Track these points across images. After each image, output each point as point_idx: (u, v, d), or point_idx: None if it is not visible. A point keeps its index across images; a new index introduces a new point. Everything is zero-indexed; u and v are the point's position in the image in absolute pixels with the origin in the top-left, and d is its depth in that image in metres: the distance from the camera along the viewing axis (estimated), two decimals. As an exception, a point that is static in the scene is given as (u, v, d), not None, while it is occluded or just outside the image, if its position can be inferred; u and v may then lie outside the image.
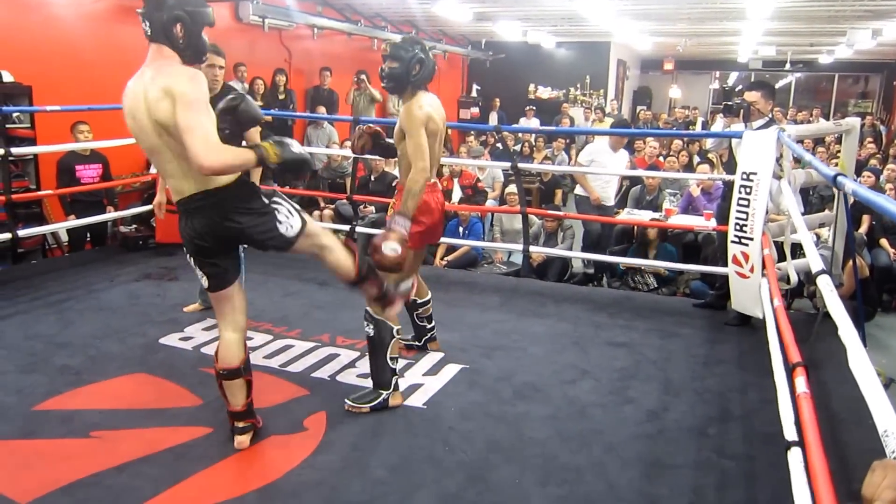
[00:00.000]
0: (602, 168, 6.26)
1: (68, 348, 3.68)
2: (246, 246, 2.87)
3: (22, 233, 5.10)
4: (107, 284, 4.83)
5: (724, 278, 4.34)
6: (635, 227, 6.36)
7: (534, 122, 12.68)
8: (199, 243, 2.54)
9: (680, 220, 6.31)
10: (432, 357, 3.67)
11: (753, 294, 3.96)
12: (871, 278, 5.53)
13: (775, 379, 2.65)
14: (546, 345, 3.94)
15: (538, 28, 12.87)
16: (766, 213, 3.90)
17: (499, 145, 10.26)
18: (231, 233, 2.52)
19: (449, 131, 12.60)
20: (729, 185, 4.36)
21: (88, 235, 5.92)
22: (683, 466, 2.71)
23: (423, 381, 3.39)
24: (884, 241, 6.08)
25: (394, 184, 5.98)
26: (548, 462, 2.70)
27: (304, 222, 2.62)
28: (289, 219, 2.57)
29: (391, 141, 3.34)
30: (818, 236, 5.14)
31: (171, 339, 3.85)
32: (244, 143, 3.43)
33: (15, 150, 5.07)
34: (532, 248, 5.49)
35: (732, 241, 4.03)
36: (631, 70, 17.89)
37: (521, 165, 5.67)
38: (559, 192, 8.82)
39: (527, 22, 12.22)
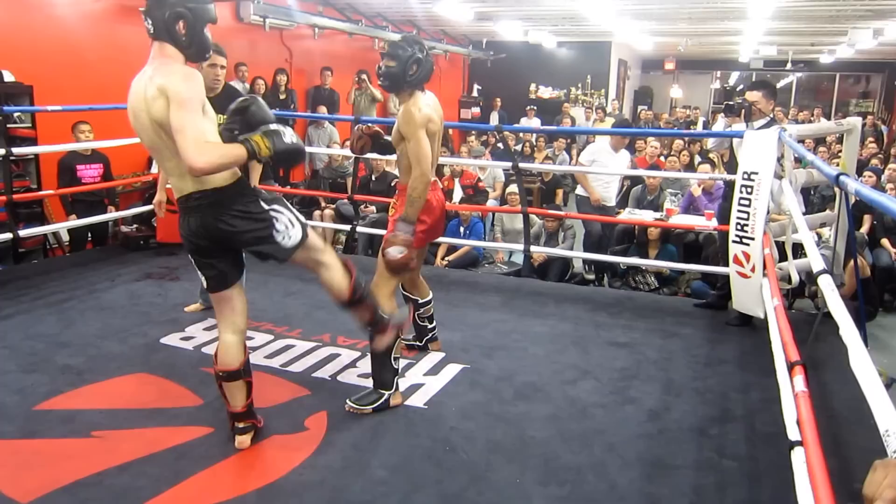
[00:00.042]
0: (603, 168, 6.27)
1: (69, 348, 3.68)
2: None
3: (23, 233, 5.11)
4: (108, 284, 4.83)
5: (726, 278, 4.34)
6: (636, 227, 6.36)
7: (535, 122, 12.69)
8: (196, 242, 2.54)
9: (681, 220, 6.31)
10: (433, 357, 3.67)
11: (755, 294, 3.95)
12: (872, 278, 5.53)
13: (778, 379, 2.65)
14: (547, 345, 3.94)
15: (539, 28, 12.87)
16: (768, 212, 3.90)
17: (500, 145, 10.27)
18: (224, 234, 2.50)
19: (450, 131, 12.68)
20: (730, 185, 4.36)
21: (89, 235, 5.93)
22: (684, 466, 2.71)
23: (424, 380, 3.39)
24: (885, 241, 6.07)
25: (393, 183, 5.98)
26: (549, 462, 2.70)
27: (304, 235, 2.59)
28: (288, 229, 2.54)
29: (388, 138, 3.34)
30: (819, 236, 5.13)
31: (173, 339, 3.85)
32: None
33: (16, 150, 5.07)
34: (533, 248, 5.49)
35: (733, 241, 4.03)
36: (632, 70, 17.89)
37: (522, 165, 5.67)
38: (560, 192, 8.83)
39: (528, 22, 12.22)
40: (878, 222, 6.11)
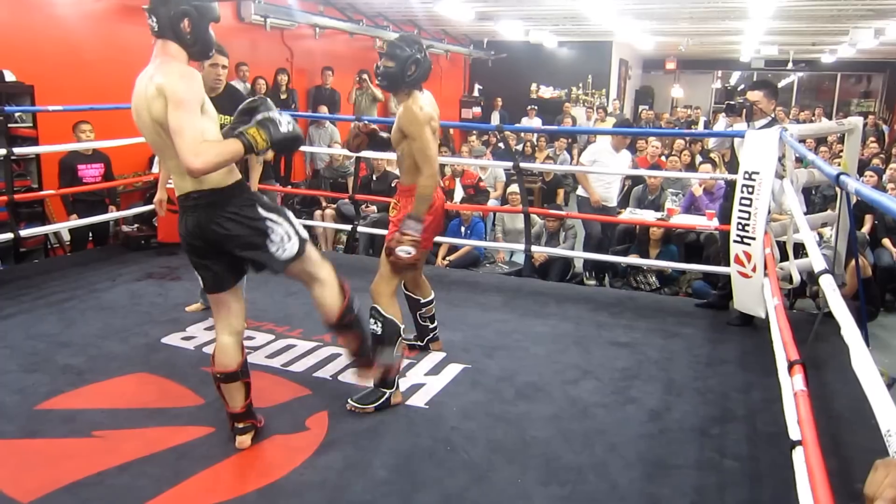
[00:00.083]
0: (605, 168, 6.26)
1: (70, 348, 3.68)
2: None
3: (24, 232, 5.12)
4: (109, 284, 4.83)
5: (727, 278, 4.33)
6: (637, 227, 6.36)
7: (536, 122, 12.69)
8: (192, 243, 2.54)
9: (682, 220, 6.31)
10: (434, 357, 3.67)
11: (756, 294, 3.95)
12: (873, 278, 5.53)
13: (779, 378, 2.65)
14: (548, 344, 3.94)
15: (540, 27, 12.87)
16: (769, 212, 3.90)
17: (501, 145, 10.26)
18: (217, 236, 2.47)
19: (451, 131, 12.69)
20: (731, 185, 4.36)
21: (90, 235, 5.93)
22: (686, 466, 2.71)
23: (425, 380, 3.39)
24: (886, 241, 6.07)
25: (394, 183, 5.98)
26: (550, 462, 2.70)
27: (301, 250, 2.55)
28: (283, 241, 2.50)
29: (385, 135, 3.33)
30: (821, 236, 5.13)
31: (173, 339, 3.85)
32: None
33: (17, 150, 5.08)
34: (534, 248, 5.48)
35: (735, 241, 4.02)
36: (633, 69, 17.89)
37: (523, 165, 5.66)
38: (561, 192, 8.83)
39: (529, 21, 12.22)
40: (880, 222, 6.11)
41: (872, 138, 10.55)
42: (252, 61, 8.29)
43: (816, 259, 2.63)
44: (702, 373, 3.61)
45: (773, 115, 4.34)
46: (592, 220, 6.25)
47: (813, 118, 13.50)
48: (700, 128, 14.04)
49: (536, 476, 2.61)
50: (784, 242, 4.06)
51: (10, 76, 5.75)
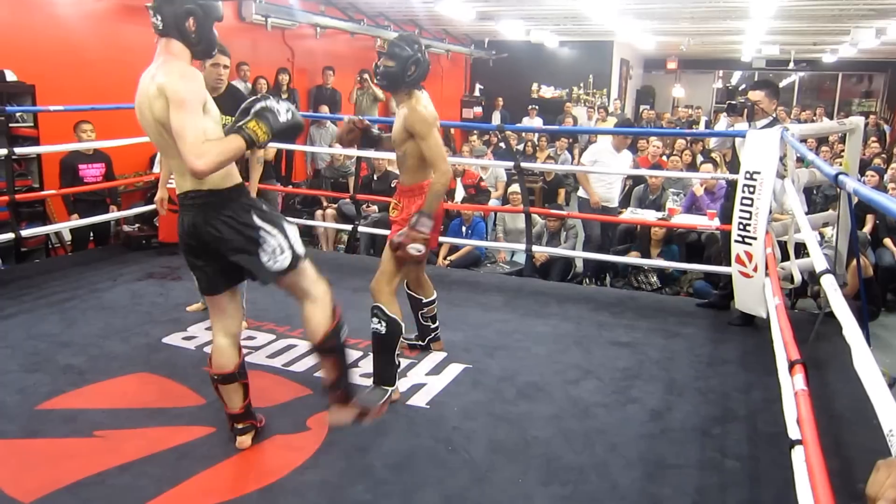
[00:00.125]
0: (606, 169, 6.25)
1: (71, 347, 3.68)
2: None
3: (25, 232, 5.12)
4: (110, 284, 4.83)
5: (728, 278, 4.33)
6: (638, 227, 6.35)
7: (537, 122, 12.69)
8: (188, 242, 2.53)
9: (683, 220, 6.31)
10: (435, 357, 3.66)
11: (757, 293, 3.95)
12: (875, 278, 5.52)
13: (780, 378, 2.64)
14: (549, 344, 3.94)
15: (541, 27, 12.86)
16: (770, 212, 3.89)
17: (502, 145, 10.27)
18: (210, 238, 2.45)
19: (452, 131, 12.67)
20: (732, 185, 4.35)
21: (91, 235, 5.93)
22: (687, 466, 2.71)
23: (426, 380, 3.39)
24: (888, 241, 6.07)
25: (393, 184, 5.98)
26: (551, 462, 2.70)
27: (294, 264, 2.49)
28: (275, 253, 2.45)
29: (377, 132, 3.32)
30: (822, 236, 5.13)
31: (174, 339, 3.85)
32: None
33: (18, 150, 5.09)
34: (535, 248, 5.48)
35: (736, 241, 4.02)
36: (634, 69, 17.88)
37: (524, 165, 5.66)
38: (562, 192, 8.83)
39: (530, 21, 12.21)
40: (881, 222, 6.10)
41: (874, 138, 10.54)
42: (253, 61, 8.29)
43: (818, 259, 2.63)
44: (703, 373, 3.61)
45: (774, 115, 4.33)
46: (593, 220, 6.24)
47: (814, 118, 13.49)
48: (701, 127, 14.03)
49: (537, 476, 2.61)
50: (785, 242, 4.06)
51: (11, 76, 5.75)
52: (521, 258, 6.29)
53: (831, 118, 14.23)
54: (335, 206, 7.45)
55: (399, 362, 3.19)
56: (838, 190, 4.09)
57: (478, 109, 14.55)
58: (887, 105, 17.12)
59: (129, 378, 3.37)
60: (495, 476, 2.60)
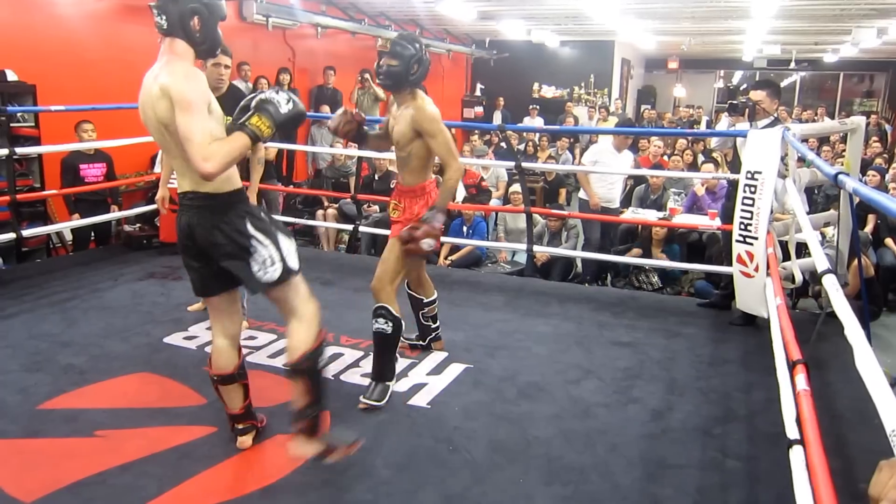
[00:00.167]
0: (607, 169, 6.24)
1: (72, 347, 3.69)
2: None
3: (26, 232, 5.12)
4: (111, 283, 4.83)
5: (729, 278, 4.33)
6: (639, 227, 6.35)
7: (538, 122, 12.68)
8: (183, 242, 2.51)
9: (684, 220, 6.30)
10: (436, 357, 3.66)
11: (758, 293, 3.95)
12: (876, 277, 5.52)
13: (778, 378, 2.64)
14: (550, 344, 3.94)
15: (542, 27, 12.86)
16: (771, 212, 3.89)
17: (503, 144, 10.26)
18: (202, 241, 2.44)
19: (453, 130, 12.64)
20: (733, 185, 4.35)
21: (92, 234, 5.93)
22: (688, 466, 2.70)
23: (428, 380, 3.39)
24: (889, 241, 6.06)
25: (394, 184, 5.97)
26: (552, 462, 2.70)
27: (284, 278, 2.44)
28: (266, 264, 2.40)
29: (367, 129, 3.32)
30: (823, 235, 5.13)
31: (175, 339, 3.85)
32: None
33: (19, 150, 5.08)
34: (536, 248, 5.48)
35: (737, 241, 4.02)
36: (635, 69, 17.87)
37: (525, 165, 5.66)
38: (563, 192, 8.82)
39: (531, 21, 12.21)
40: (882, 222, 6.09)
41: (875, 138, 10.52)
42: (254, 61, 8.29)
43: (819, 259, 2.63)
44: (704, 372, 3.61)
45: (775, 115, 4.33)
46: (594, 220, 6.23)
47: (815, 118, 13.48)
48: (702, 127, 14.01)
49: (538, 476, 2.60)
50: (786, 242, 4.05)
51: (12, 76, 5.75)
52: (522, 258, 6.29)
53: (832, 118, 14.21)
54: (336, 205, 7.45)
55: (397, 357, 3.25)
56: (839, 190, 4.09)
57: (479, 109, 14.54)
58: (889, 105, 17.10)
59: (130, 378, 3.37)
60: (496, 476, 2.60)
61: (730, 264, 4.22)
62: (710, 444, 2.87)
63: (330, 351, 2.57)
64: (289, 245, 2.48)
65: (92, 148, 5.66)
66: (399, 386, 3.28)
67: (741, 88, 19.39)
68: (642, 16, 10.90)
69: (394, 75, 3.04)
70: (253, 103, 2.34)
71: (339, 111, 3.26)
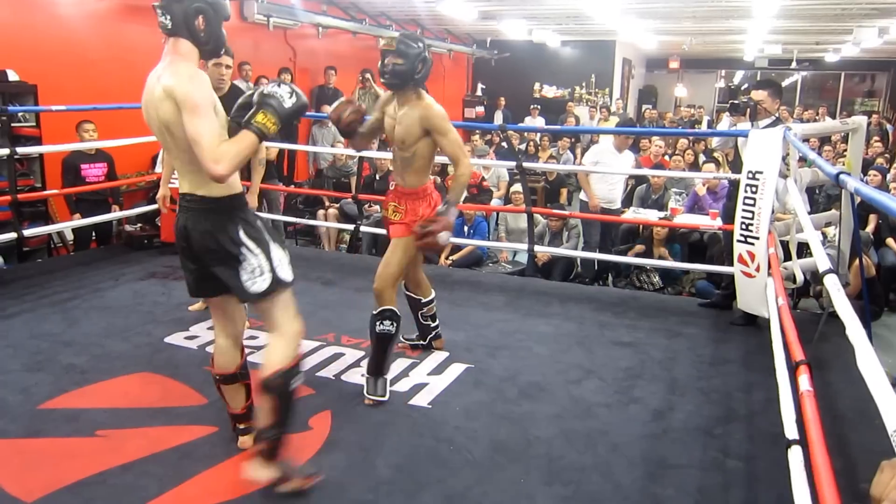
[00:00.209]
0: (608, 170, 6.23)
1: (73, 347, 3.69)
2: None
3: (27, 232, 5.12)
4: (112, 283, 4.83)
5: (730, 278, 4.33)
6: (640, 227, 6.35)
7: (539, 121, 12.68)
8: (179, 242, 2.51)
9: (685, 220, 6.30)
10: (437, 356, 3.66)
11: (759, 293, 3.94)
12: (877, 277, 5.52)
13: (777, 378, 2.64)
14: (551, 344, 3.93)
15: (543, 27, 12.85)
16: (772, 212, 3.89)
17: (504, 144, 10.25)
18: (195, 244, 2.42)
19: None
20: (735, 184, 4.35)
21: (93, 234, 5.94)
22: (689, 466, 2.70)
23: (428, 380, 3.39)
24: (890, 241, 6.05)
25: (393, 185, 5.97)
26: (553, 462, 2.70)
27: (272, 290, 2.41)
28: (255, 274, 2.37)
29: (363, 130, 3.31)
30: (825, 235, 5.12)
31: (177, 339, 3.85)
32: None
33: (20, 149, 5.09)
34: (537, 248, 5.48)
35: (738, 241, 4.02)
36: (636, 69, 17.86)
37: (525, 164, 5.66)
38: (564, 192, 8.82)
39: (532, 20, 12.20)
40: (884, 221, 6.09)
41: (876, 137, 10.52)
42: (255, 61, 8.29)
43: (821, 258, 2.63)
44: (705, 372, 3.60)
45: (776, 115, 4.33)
46: (595, 220, 6.23)
47: (817, 117, 13.47)
48: (703, 127, 14.00)
49: (539, 476, 2.60)
50: (787, 242, 4.05)
51: (13, 76, 5.76)
52: (523, 258, 6.29)
53: (834, 118, 14.19)
54: (337, 205, 7.46)
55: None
56: (841, 189, 4.09)
57: (480, 109, 14.54)
58: (890, 104, 17.09)
59: (131, 377, 3.37)
60: (497, 476, 2.60)
61: (731, 264, 4.22)
62: (711, 444, 2.87)
63: (302, 377, 2.47)
64: (281, 256, 2.45)
65: (93, 148, 5.67)
66: (400, 386, 3.29)
67: (742, 88, 19.37)
68: (643, 15, 10.90)
69: (400, 74, 3.03)
70: (255, 99, 2.31)
71: (342, 100, 3.20)
